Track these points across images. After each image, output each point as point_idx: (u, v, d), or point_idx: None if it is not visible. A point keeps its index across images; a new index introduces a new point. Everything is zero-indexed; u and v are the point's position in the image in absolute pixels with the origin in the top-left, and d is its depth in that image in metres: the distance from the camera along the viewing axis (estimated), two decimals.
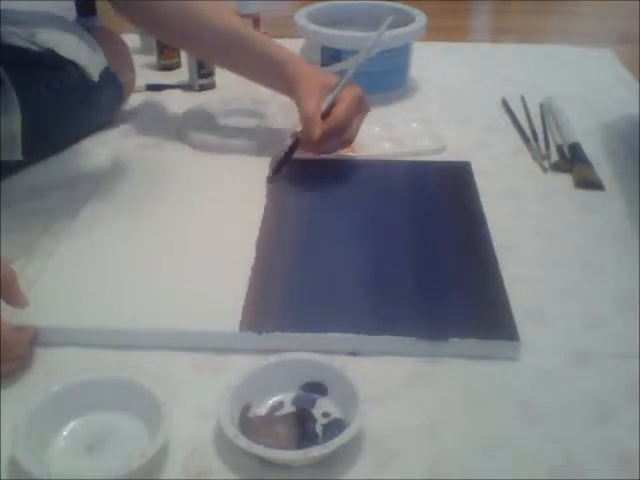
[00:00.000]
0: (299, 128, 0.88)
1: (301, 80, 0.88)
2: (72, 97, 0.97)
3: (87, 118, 1.02)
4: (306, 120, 0.85)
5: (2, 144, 0.86)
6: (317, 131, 0.85)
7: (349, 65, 0.95)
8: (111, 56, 1.02)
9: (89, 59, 0.98)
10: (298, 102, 0.87)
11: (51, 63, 0.95)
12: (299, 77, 0.88)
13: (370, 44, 0.92)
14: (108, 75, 1.00)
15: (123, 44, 1.10)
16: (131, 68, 1.10)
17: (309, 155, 0.90)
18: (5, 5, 0.93)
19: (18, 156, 0.88)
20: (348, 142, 0.90)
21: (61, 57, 0.95)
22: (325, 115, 0.86)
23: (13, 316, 0.65)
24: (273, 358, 0.61)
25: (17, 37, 0.94)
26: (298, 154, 0.90)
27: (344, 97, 0.87)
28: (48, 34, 0.95)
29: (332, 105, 0.87)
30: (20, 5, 0.97)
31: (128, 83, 1.08)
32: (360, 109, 0.89)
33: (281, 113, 1.05)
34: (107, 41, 1.04)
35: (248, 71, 0.96)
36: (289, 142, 0.91)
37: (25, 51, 0.93)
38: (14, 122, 0.87)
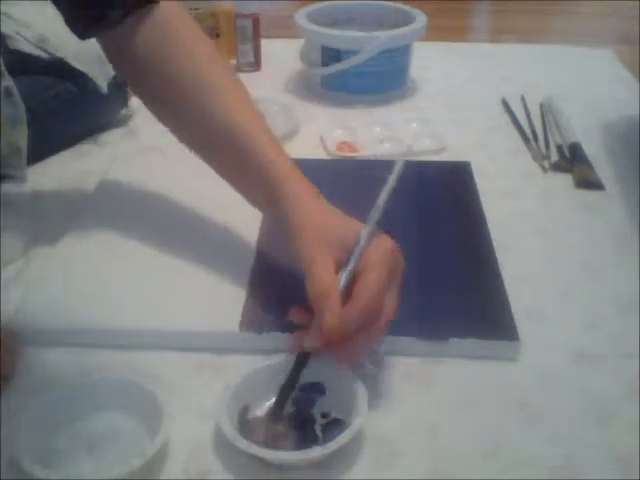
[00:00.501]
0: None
1: (302, 231, 0.61)
2: (78, 106, 0.97)
3: (90, 123, 1.02)
4: (320, 301, 0.56)
5: (7, 158, 0.86)
6: (333, 319, 0.55)
7: (346, 65, 0.93)
8: None
9: (99, 69, 0.97)
10: (303, 265, 0.59)
11: (60, 72, 0.95)
12: (301, 228, 0.61)
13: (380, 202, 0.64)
14: (115, 83, 1.00)
15: None
16: None
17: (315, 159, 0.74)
18: (7, 6, 0.93)
19: (23, 169, 0.88)
20: (382, 330, 0.58)
21: (71, 67, 0.95)
22: (346, 293, 0.57)
23: (11, 318, 0.65)
24: (271, 359, 0.61)
25: (27, 43, 0.93)
26: (295, 155, 0.70)
27: (372, 260, 0.58)
28: (58, 40, 0.95)
29: (353, 275, 0.58)
30: (23, 6, 0.96)
31: None
32: (394, 274, 0.59)
33: (281, 113, 1.05)
34: None
35: (231, 178, 0.71)
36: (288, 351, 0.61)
37: (35, 58, 0.93)
38: (20, 136, 0.86)
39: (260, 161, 0.65)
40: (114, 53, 0.72)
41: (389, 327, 0.58)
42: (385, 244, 0.60)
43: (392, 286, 0.59)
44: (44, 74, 0.94)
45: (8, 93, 0.84)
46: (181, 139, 0.72)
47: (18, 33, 0.94)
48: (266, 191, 0.65)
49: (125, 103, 1.06)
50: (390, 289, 0.59)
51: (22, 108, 0.85)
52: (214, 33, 1.25)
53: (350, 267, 0.58)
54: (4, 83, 0.83)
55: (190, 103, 0.68)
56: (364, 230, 0.60)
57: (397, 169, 0.63)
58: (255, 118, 0.68)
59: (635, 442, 0.56)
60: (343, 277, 0.58)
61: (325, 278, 0.57)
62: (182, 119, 0.70)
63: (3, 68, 0.83)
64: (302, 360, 0.58)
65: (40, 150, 0.93)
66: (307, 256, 0.59)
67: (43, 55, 0.94)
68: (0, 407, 0.59)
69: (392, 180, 0.63)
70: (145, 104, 0.73)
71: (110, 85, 0.99)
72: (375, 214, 0.61)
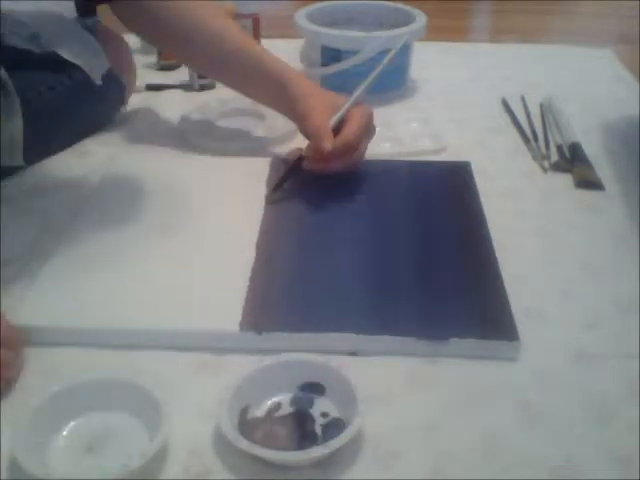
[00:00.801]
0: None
1: (307, 98, 0.84)
2: (74, 100, 0.97)
3: (88, 119, 1.02)
4: (316, 132, 0.81)
5: (3, 149, 0.86)
6: (328, 143, 0.79)
7: (347, 65, 0.94)
8: (112, 56, 1.01)
9: (92, 62, 0.97)
10: (303, 119, 0.83)
11: (54, 66, 0.95)
12: (305, 96, 0.84)
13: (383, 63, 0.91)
14: (111, 77, 1.00)
15: (124, 44, 1.10)
16: (132, 68, 1.10)
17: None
18: (6, 5, 0.93)
19: (19, 162, 0.88)
20: (355, 164, 0.85)
21: (64, 60, 0.95)
22: (334, 133, 0.82)
23: (12, 317, 0.65)
24: (269, 360, 0.61)
25: (19, 38, 0.93)
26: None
27: (355, 115, 0.83)
28: (51, 35, 0.95)
29: (341, 123, 0.83)
30: (21, 5, 0.97)
31: (129, 83, 1.07)
32: (369, 131, 0.85)
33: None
34: (108, 41, 1.03)
35: (248, 89, 0.94)
36: (288, 161, 0.87)
37: (27, 53, 0.93)
38: (15, 128, 0.86)
39: (266, 67, 0.88)
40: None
41: (356, 166, 0.86)
42: (366, 108, 0.85)
43: (367, 138, 0.85)
44: (38, 68, 0.94)
45: (2, 87, 0.84)
46: (197, 67, 1.02)
47: (12, 31, 0.94)
48: (284, 101, 0.87)
49: (123, 101, 1.06)
50: (363, 141, 0.84)
51: (17, 101, 0.85)
52: None
53: (339, 114, 0.82)
54: None
55: (203, 33, 0.89)
56: (353, 95, 0.85)
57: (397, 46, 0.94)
58: (261, 48, 0.92)
59: (635, 442, 0.56)
60: (334, 120, 0.82)
61: (319, 119, 0.81)
62: (196, 49, 0.90)
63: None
64: (296, 164, 0.84)
65: (40, 148, 0.93)
66: (309, 111, 0.82)
67: (36, 50, 0.94)
68: (0, 407, 0.59)
69: (386, 59, 0.91)
70: (153, 43, 1.01)
71: (106, 80, 0.99)
72: (362, 85, 0.86)
